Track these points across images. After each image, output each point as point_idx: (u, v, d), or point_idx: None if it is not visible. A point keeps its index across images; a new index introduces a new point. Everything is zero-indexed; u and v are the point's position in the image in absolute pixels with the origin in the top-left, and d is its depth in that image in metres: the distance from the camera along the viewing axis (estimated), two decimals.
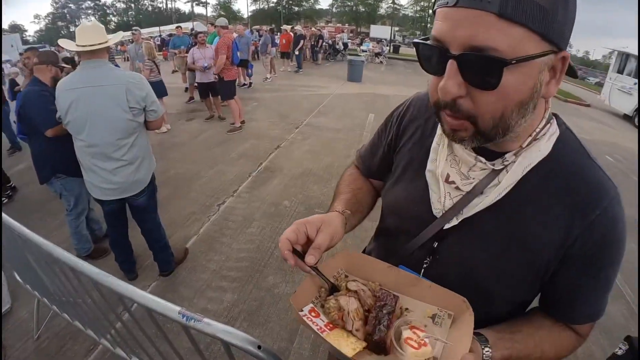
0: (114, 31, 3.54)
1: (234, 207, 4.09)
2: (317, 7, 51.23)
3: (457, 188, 0.76)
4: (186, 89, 8.67)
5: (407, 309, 0.77)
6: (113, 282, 0.99)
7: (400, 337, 0.68)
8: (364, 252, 1.05)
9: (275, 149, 5.95)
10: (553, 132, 0.73)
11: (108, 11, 63.23)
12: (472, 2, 0.53)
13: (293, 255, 0.71)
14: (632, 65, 14.49)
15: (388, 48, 25.02)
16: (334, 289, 0.77)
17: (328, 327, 0.70)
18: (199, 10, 56.92)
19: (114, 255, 2.78)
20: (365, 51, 21.35)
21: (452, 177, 0.77)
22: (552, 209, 0.71)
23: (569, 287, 0.75)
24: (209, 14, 50.95)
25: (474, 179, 0.75)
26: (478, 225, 0.76)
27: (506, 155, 0.71)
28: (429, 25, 52.45)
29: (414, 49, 0.66)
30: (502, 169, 0.72)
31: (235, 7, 56.00)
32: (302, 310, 0.72)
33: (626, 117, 14.74)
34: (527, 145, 0.71)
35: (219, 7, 52.77)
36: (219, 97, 6.85)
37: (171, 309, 0.88)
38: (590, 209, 0.68)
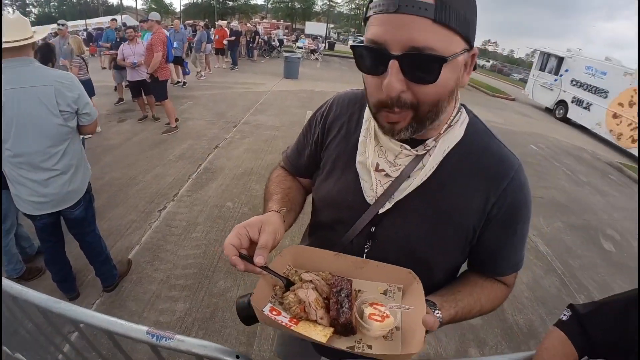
0: (33, 25, 3.05)
1: (175, 212, 3.93)
2: (253, 2, 50.09)
3: (387, 175, 0.85)
4: (115, 88, 8.06)
5: (359, 290, 0.84)
6: (66, 308, 0.90)
7: (363, 314, 0.74)
8: None
9: (214, 149, 5.80)
10: (464, 119, 0.87)
11: (28, 1, 56.87)
12: (411, 9, 0.62)
13: (241, 260, 0.71)
14: (552, 63, 16.18)
15: (323, 45, 25.21)
16: (289, 285, 0.80)
17: (293, 322, 0.73)
18: (128, 2, 52.98)
19: (50, 274, 2.54)
20: (301, 48, 21.41)
21: (382, 165, 0.86)
22: (470, 183, 0.83)
23: (493, 246, 0.89)
24: (139, 7, 47.65)
25: (400, 165, 0.85)
26: (409, 206, 0.85)
27: (427, 142, 0.82)
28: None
29: (352, 52, 0.72)
30: (425, 153, 0.83)
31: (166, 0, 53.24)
32: (262, 310, 0.73)
33: (547, 110, 16.47)
34: (444, 132, 0.83)
35: (149, 0, 49.70)
36: (153, 97, 6.50)
37: (137, 330, 0.82)
38: (502, 179, 0.82)
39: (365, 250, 0.90)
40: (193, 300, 2.73)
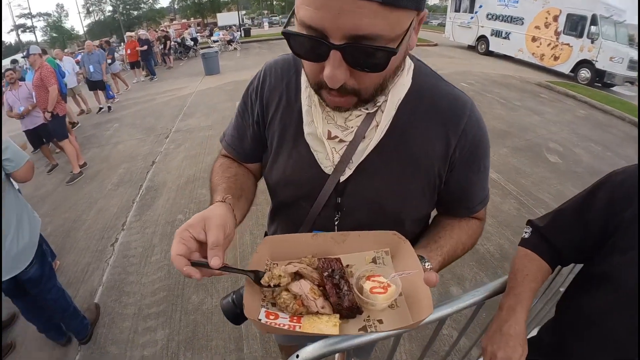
0: None
1: (128, 241, 3.73)
2: (158, 6, 46.93)
3: (341, 140, 0.79)
4: None
5: (348, 265, 0.78)
6: None
7: (363, 291, 0.69)
8: (265, 235, 0.99)
9: (151, 165, 5.53)
10: (409, 65, 0.79)
11: None
12: None
13: (194, 268, 0.62)
14: (466, 3, 16.67)
15: (239, 33, 24.40)
16: (257, 278, 0.70)
17: (295, 320, 0.66)
18: (26, 37, 47.06)
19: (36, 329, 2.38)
20: (217, 41, 20.60)
21: (334, 132, 0.79)
22: (429, 129, 0.79)
23: (461, 186, 0.87)
24: (39, 39, 43.18)
25: (352, 127, 0.78)
26: (372, 167, 0.80)
27: (377, 98, 0.73)
28: (274, 2, 51.79)
29: (285, 38, 0.61)
30: (376, 110, 0.77)
31: (67, 24, 48.56)
32: (259, 319, 0.65)
33: (470, 48, 17.09)
34: (392, 84, 0.74)
35: (49, 29, 44.91)
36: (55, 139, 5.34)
37: None
38: (459, 119, 0.79)
39: (336, 222, 0.86)
40: (171, 324, 2.63)
